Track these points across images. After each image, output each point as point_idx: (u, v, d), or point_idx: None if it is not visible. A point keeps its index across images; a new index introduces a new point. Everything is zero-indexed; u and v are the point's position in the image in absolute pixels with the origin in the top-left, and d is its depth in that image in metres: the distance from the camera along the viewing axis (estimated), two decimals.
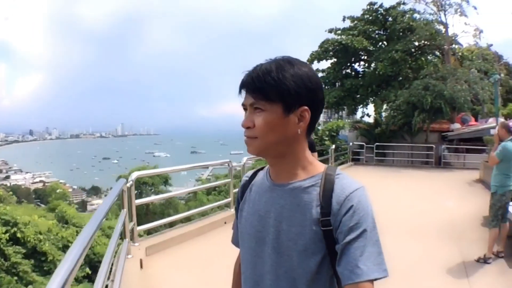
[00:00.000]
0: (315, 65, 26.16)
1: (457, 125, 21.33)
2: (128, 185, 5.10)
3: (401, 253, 6.20)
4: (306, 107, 1.16)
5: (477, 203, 10.30)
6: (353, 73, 26.50)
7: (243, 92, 1.21)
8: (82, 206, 55.35)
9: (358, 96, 25.28)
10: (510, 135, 5.86)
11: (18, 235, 15.18)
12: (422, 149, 21.27)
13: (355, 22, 25.26)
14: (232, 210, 7.07)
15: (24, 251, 15.22)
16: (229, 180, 7.91)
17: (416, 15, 23.95)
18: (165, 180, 28.99)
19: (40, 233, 16.03)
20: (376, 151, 20.77)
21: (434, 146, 20.72)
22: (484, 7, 25.86)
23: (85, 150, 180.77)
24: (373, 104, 25.92)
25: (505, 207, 5.95)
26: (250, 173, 1.43)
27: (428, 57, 25.53)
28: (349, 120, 29.52)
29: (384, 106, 24.14)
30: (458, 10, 22.35)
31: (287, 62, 1.17)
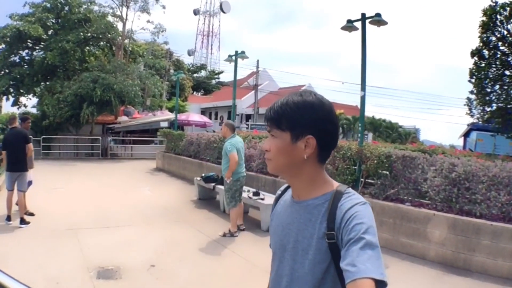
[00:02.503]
0: None
1: (124, 118, 21.65)
2: None
3: (144, 243, 6.17)
4: (311, 136, 1.25)
5: (174, 189, 11.21)
6: (21, 61, 24.05)
7: None
8: None
9: (24, 86, 23.11)
10: (232, 133, 6.69)
11: None
12: (87, 141, 21.00)
13: (34, 8, 22.90)
14: None
15: None
16: None
17: (95, 7, 23.38)
18: None
19: None
20: (43, 144, 19.45)
21: (100, 138, 20.92)
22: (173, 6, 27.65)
23: None
24: (35, 95, 24.07)
25: (240, 190, 6.63)
26: (283, 187, 1.54)
27: (92, 49, 25.15)
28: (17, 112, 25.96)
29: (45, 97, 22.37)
30: (143, 7, 23.01)
31: (298, 95, 1.30)
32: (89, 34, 22.53)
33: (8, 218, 6.94)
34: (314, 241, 1.25)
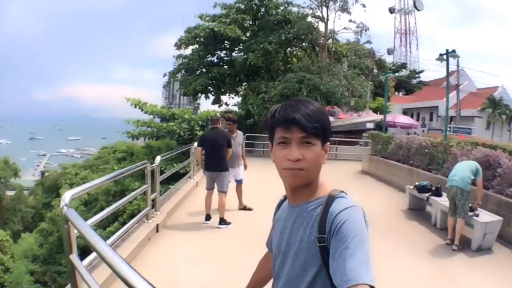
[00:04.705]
0: (181, 51, 25.38)
1: (331, 118, 22.32)
2: None
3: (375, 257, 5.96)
4: (328, 142, 1.37)
5: (381, 196, 10.73)
6: (219, 61, 25.33)
7: (282, 125, 1.34)
8: None
9: (225, 85, 24.30)
10: None
11: None
12: None
13: (227, 9, 24.09)
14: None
15: None
16: (147, 185, 6.16)
17: (294, 8, 23.80)
18: (15, 172, 30.76)
19: None
20: (246, 141, 20.43)
21: None
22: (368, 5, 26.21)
23: None
24: (239, 95, 25.45)
25: (450, 201, 6.54)
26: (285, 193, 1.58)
27: (294, 50, 25.65)
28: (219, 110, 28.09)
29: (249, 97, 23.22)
30: (343, 6, 22.83)
31: (314, 102, 1.36)
32: (290, 35, 22.82)
33: (207, 218, 7.01)
34: (305, 245, 1.30)
